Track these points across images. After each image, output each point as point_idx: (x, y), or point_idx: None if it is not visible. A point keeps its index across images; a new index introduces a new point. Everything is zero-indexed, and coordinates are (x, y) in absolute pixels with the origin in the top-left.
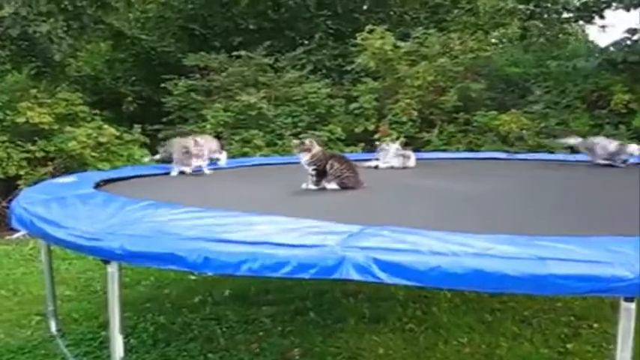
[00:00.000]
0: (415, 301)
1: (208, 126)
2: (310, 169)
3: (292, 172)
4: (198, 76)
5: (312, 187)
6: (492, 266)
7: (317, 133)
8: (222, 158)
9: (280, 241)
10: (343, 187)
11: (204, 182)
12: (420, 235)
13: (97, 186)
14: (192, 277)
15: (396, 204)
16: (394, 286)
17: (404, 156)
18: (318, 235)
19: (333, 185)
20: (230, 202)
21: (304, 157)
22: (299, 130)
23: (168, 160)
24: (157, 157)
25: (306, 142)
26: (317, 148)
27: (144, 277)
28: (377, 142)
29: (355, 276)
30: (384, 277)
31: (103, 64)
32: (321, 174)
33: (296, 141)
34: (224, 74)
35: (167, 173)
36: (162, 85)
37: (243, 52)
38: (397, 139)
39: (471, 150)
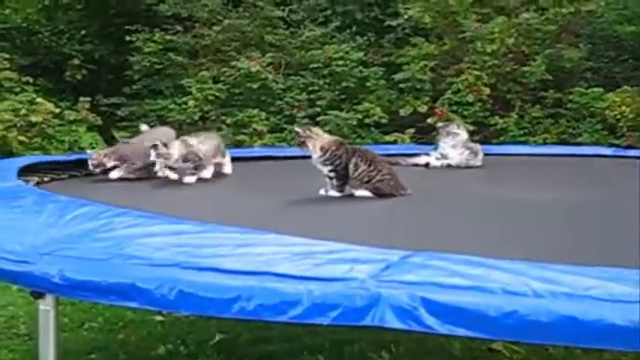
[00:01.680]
0: (477, 357)
1: (191, 102)
2: (326, 170)
3: (307, 170)
4: (180, 28)
5: (333, 193)
6: (593, 313)
7: (343, 115)
8: (227, 164)
9: (288, 272)
10: (378, 194)
11: (182, 184)
12: (487, 267)
13: (24, 176)
14: (159, 318)
15: (453, 221)
16: (446, 336)
17: (471, 150)
18: (341, 263)
19: (363, 192)
20: (217, 213)
21: (314, 154)
22: (317, 110)
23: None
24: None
25: (300, 131)
26: (325, 138)
27: (89, 317)
28: (439, 124)
29: (394, 322)
30: (436, 324)
31: (39, 13)
32: (342, 176)
33: (299, 129)
34: (217, 29)
35: None
36: (127, 38)
37: None
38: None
39: (564, 143)
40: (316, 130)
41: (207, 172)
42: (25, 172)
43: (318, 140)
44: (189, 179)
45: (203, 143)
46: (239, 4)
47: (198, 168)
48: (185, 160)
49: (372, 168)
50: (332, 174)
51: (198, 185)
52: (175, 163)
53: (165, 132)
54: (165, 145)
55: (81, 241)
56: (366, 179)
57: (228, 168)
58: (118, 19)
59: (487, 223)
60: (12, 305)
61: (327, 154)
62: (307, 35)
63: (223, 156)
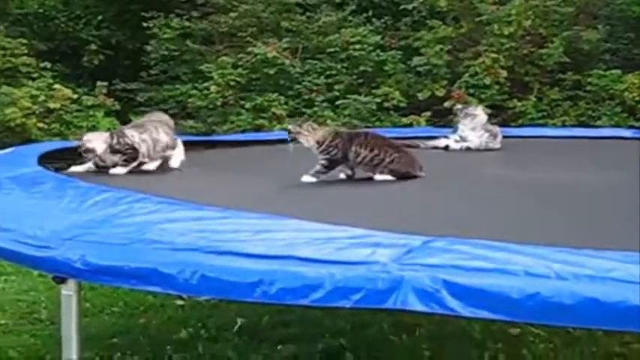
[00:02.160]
0: (497, 340)
1: (213, 87)
2: (320, 158)
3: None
4: (195, 14)
5: (308, 179)
6: (614, 294)
7: (362, 99)
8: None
9: (310, 255)
10: (396, 176)
11: (200, 167)
12: (509, 251)
13: (43, 163)
14: (179, 302)
15: (473, 204)
16: (468, 319)
17: (490, 132)
18: (363, 247)
19: (382, 175)
20: (236, 197)
21: (312, 149)
22: (335, 94)
23: None
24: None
25: (291, 127)
26: (319, 132)
27: (110, 302)
28: (457, 106)
29: (417, 305)
30: (458, 307)
31: None
32: (334, 163)
33: (290, 126)
34: (233, 15)
35: None
36: (144, 24)
37: None
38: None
39: (583, 125)
40: (308, 125)
41: (152, 165)
42: (45, 159)
43: (311, 135)
44: (118, 170)
45: (144, 133)
46: None
47: (129, 160)
48: (114, 151)
49: (376, 152)
50: (324, 162)
51: (204, 171)
52: (104, 155)
53: (161, 119)
54: (87, 140)
55: (102, 226)
56: (375, 162)
57: (175, 161)
58: (135, 5)
59: (508, 205)
60: (33, 290)
61: (324, 146)
62: (324, 20)
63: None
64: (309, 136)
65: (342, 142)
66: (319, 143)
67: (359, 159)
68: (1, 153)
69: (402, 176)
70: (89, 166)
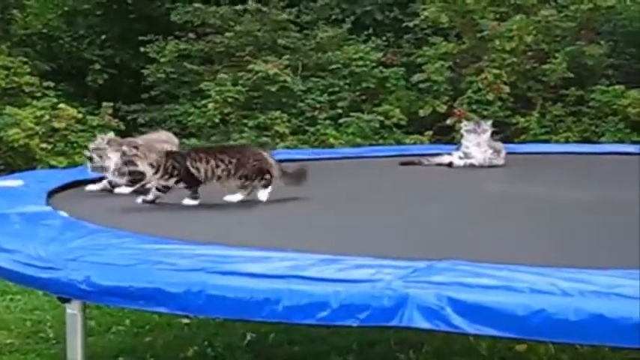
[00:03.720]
0: (504, 357)
1: (211, 105)
2: (171, 183)
3: (330, 172)
4: (192, 35)
5: (189, 202)
6: (620, 310)
7: (365, 116)
8: None
9: (315, 275)
10: (247, 180)
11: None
12: (513, 270)
13: (52, 196)
14: (185, 321)
15: (477, 223)
16: (474, 335)
17: (494, 149)
18: (367, 268)
19: (232, 196)
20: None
21: (147, 174)
22: (339, 112)
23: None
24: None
25: (126, 149)
26: (153, 155)
27: (116, 321)
28: (464, 123)
29: (422, 323)
30: (463, 324)
31: (59, 19)
32: (191, 182)
33: (125, 147)
34: (229, 35)
35: None
36: (142, 49)
37: (250, 4)
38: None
39: (587, 141)
40: (145, 147)
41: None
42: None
43: (146, 158)
44: (123, 190)
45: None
46: (246, 10)
47: (135, 182)
48: (122, 173)
49: (212, 162)
50: (181, 184)
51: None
52: (113, 174)
53: (161, 137)
54: (100, 156)
55: (107, 248)
56: (221, 173)
57: None
58: (138, 25)
59: (513, 223)
60: (38, 309)
61: (161, 170)
62: (321, 36)
63: None
64: (145, 159)
65: (177, 162)
66: (153, 167)
67: (202, 175)
68: (11, 184)
69: (258, 174)
70: (104, 184)
